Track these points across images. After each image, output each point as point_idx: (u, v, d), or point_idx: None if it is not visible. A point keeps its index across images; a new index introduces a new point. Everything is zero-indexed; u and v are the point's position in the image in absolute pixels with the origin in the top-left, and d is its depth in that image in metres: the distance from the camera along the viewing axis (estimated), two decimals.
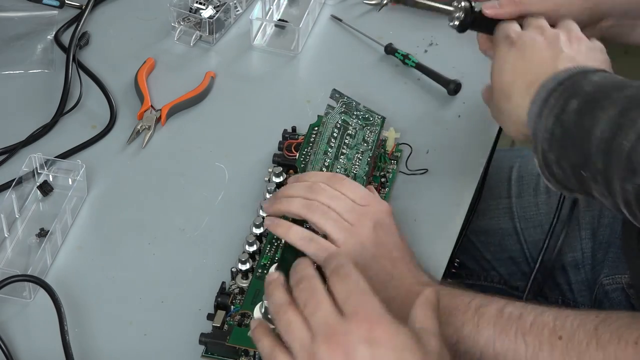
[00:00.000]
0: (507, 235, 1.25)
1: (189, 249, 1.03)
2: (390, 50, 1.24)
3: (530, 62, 0.92)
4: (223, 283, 0.97)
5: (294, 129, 1.12)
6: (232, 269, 0.98)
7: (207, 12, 1.25)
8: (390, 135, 1.10)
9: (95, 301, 0.98)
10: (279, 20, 1.28)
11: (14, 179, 1.06)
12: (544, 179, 0.88)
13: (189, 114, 1.18)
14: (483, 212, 1.25)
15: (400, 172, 1.10)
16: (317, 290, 0.81)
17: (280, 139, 1.12)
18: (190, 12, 1.25)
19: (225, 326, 0.94)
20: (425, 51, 1.26)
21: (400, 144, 1.11)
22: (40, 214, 1.05)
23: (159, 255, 1.03)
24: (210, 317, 0.95)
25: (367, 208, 0.96)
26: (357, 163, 1.06)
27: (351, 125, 1.08)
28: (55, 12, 1.27)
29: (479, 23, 0.99)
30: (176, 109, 1.17)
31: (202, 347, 0.93)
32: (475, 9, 0.98)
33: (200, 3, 1.25)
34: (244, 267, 0.98)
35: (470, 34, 1.30)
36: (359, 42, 1.27)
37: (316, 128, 1.11)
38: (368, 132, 1.09)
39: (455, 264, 1.09)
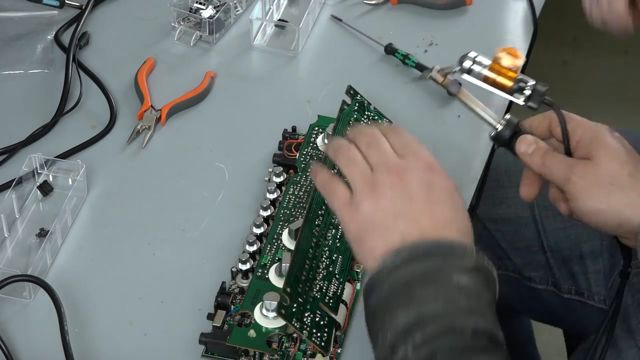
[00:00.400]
0: (525, 224, 1.25)
1: (189, 249, 1.03)
2: (390, 50, 1.24)
3: None
4: (223, 283, 0.97)
5: (294, 128, 1.12)
6: (232, 269, 0.98)
7: (207, 12, 1.25)
8: None
9: (95, 301, 0.98)
10: (279, 20, 1.28)
11: (14, 179, 1.06)
12: None
13: (189, 114, 1.18)
14: (501, 200, 1.26)
15: None
16: (380, 137, 0.92)
17: (281, 139, 1.12)
18: (190, 12, 1.25)
19: (226, 326, 0.94)
20: (425, 51, 1.26)
21: None
22: (40, 214, 1.05)
23: (159, 255, 1.03)
24: (211, 317, 0.95)
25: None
26: None
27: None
28: (55, 12, 1.27)
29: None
30: (176, 109, 1.17)
31: (202, 347, 0.93)
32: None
33: (200, 3, 1.25)
34: (244, 267, 0.98)
35: (471, 34, 1.30)
36: (359, 42, 1.27)
37: (316, 128, 1.11)
38: None
39: None
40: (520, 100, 0.95)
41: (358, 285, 0.98)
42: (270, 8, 1.27)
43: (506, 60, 0.96)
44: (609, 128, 0.95)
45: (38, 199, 1.07)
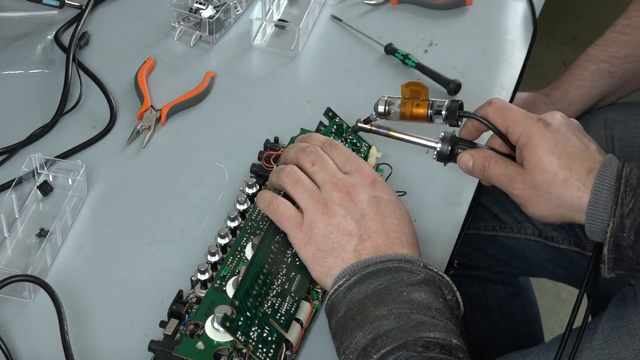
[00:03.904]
0: None
1: (189, 249, 1.03)
2: (390, 50, 1.24)
3: (576, 146, 0.96)
4: (180, 291, 0.96)
5: (276, 139, 1.11)
6: (192, 278, 0.97)
7: (207, 12, 1.25)
8: (372, 154, 1.09)
9: (95, 301, 0.98)
10: (279, 20, 1.28)
11: (14, 179, 1.06)
12: (606, 267, 0.95)
13: (189, 114, 1.18)
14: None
15: None
16: (323, 155, 0.96)
17: (262, 149, 1.10)
18: (190, 12, 1.25)
19: (178, 335, 0.93)
20: (425, 51, 1.26)
21: (381, 164, 1.10)
22: (40, 214, 1.05)
23: (159, 255, 1.03)
24: (163, 324, 0.94)
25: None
26: None
27: None
28: (55, 12, 1.27)
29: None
30: (176, 109, 1.17)
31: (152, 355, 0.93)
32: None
33: (200, 3, 1.25)
34: (203, 277, 0.96)
35: (471, 34, 1.31)
36: (359, 42, 1.27)
37: None
38: None
39: (455, 265, 1.09)
40: (440, 121, 1.00)
41: (317, 305, 0.97)
42: (270, 8, 1.27)
43: (413, 92, 1.01)
44: (543, 122, 0.96)
45: (38, 199, 1.07)
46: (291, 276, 0.95)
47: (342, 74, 1.23)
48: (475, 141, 1.02)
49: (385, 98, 1.02)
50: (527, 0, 1.34)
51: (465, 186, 1.11)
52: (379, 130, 1.03)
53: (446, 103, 1.00)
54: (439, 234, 1.06)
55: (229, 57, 1.25)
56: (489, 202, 1.31)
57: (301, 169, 0.97)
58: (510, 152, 0.99)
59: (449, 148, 1.00)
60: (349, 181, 0.95)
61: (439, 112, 1.00)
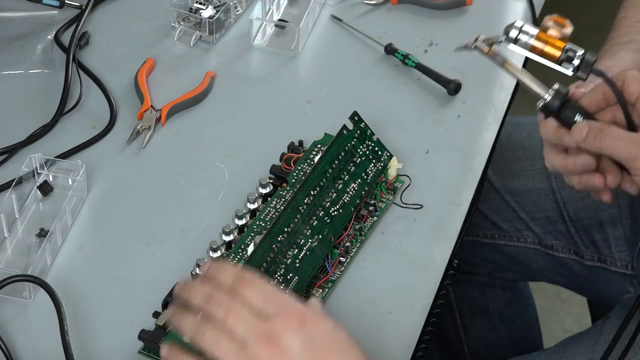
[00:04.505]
0: (543, 195, 1.26)
1: (189, 249, 1.03)
2: (390, 50, 1.24)
3: None
4: (177, 284, 0.96)
5: (300, 142, 1.10)
6: (192, 272, 0.97)
7: (207, 12, 1.25)
8: (392, 165, 1.08)
9: (95, 301, 0.98)
10: (279, 20, 1.28)
11: (14, 179, 1.06)
12: None
13: (189, 114, 1.18)
14: (518, 173, 1.26)
15: (394, 203, 1.07)
16: (233, 303, 0.82)
17: (285, 151, 1.09)
18: (190, 12, 1.25)
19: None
20: (425, 51, 1.26)
21: (401, 175, 1.08)
22: (40, 214, 1.05)
23: (159, 255, 1.03)
24: (156, 315, 0.94)
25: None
26: (351, 192, 1.03)
27: (359, 153, 1.05)
28: (55, 12, 1.27)
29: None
30: (176, 109, 1.17)
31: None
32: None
33: (200, 3, 1.25)
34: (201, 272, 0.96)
35: (471, 34, 1.30)
36: (359, 42, 1.27)
37: (319, 145, 1.09)
38: (372, 165, 1.06)
39: (455, 265, 1.09)
40: (568, 71, 0.93)
41: None
42: (270, 8, 1.27)
43: (554, 30, 0.93)
44: None
45: (38, 199, 1.07)
46: (288, 277, 0.95)
47: (342, 74, 1.23)
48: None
49: (521, 24, 0.93)
50: (527, 0, 1.34)
51: (465, 186, 1.11)
52: (496, 57, 0.95)
53: (581, 52, 0.93)
54: (439, 234, 1.06)
55: (229, 57, 1.25)
56: (488, 210, 1.31)
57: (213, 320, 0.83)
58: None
59: (559, 104, 0.92)
60: (273, 329, 0.80)
61: (570, 60, 0.93)
